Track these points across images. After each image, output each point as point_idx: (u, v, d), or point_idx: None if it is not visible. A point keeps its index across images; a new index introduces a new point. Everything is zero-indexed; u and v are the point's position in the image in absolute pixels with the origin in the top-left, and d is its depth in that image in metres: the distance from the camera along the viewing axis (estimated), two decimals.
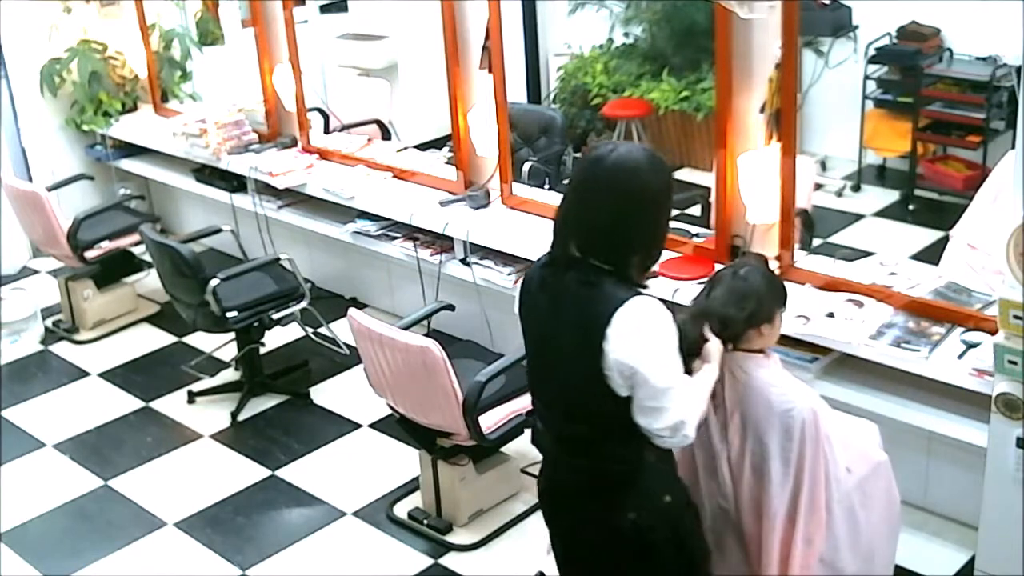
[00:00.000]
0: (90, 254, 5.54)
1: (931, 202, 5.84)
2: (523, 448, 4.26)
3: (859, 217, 5.87)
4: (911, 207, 5.91)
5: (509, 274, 4.56)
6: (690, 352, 2.68)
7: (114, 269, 5.72)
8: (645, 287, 2.52)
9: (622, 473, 2.59)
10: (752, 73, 3.83)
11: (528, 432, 4.01)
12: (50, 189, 5.58)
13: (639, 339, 2.42)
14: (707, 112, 6.17)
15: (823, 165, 6.27)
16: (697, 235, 4.25)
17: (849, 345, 3.60)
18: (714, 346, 2.73)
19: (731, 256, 4.03)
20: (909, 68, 5.85)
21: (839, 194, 6.09)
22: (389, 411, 4.02)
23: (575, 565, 2.83)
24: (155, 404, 5.01)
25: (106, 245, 5.58)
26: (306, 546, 4.05)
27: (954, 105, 5.72)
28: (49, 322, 5.76)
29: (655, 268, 2.60)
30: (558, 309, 2.54)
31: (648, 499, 2.61)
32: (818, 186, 5.95)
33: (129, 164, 6.41)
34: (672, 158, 6.71)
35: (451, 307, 4.29)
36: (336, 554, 4.00)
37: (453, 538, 3.96)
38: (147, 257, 5.42)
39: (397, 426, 4.07)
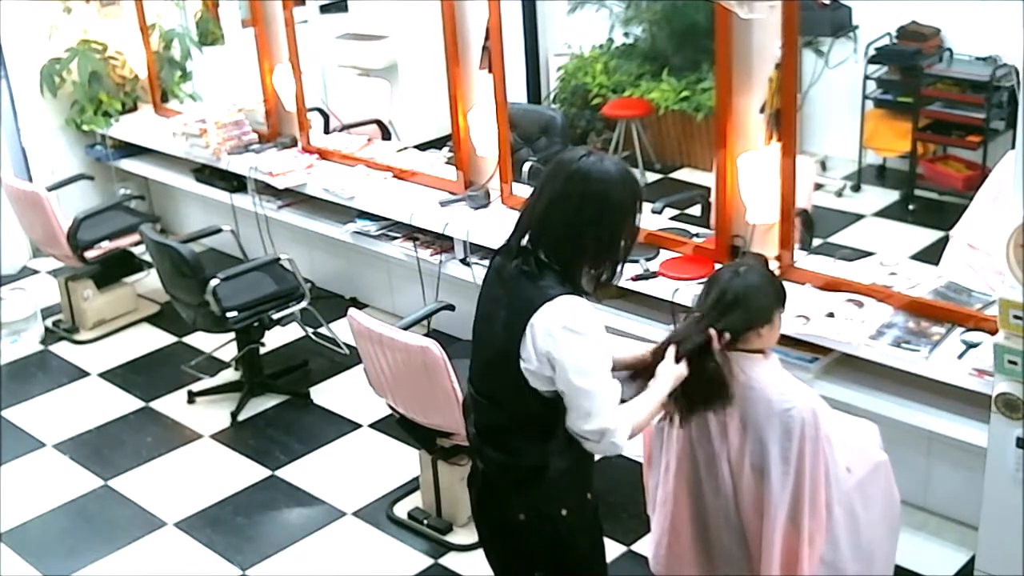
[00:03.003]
0: (90, 254, 5.54)
1: (931, 202, 5.84)
2: None
3: (859, 217, 5.87)
4: (911, 207, 5.91)
5: None
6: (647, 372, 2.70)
7: (114, 269, 5.72)
8: (592, 299, 2.50)
9: (526, 472, 2.57)
10: (752, 73, 3.83)
11: None
12: (50, 189, 5.58)
13: (562, 336, 2.41)
14: (707, 112, 6.17)
15: (823, 165, 6.27)
16: (697, 235, 4.26)
17: (849, 345, 3.60)
18: (666, 369, 2.70)
19: (731, 256, 4.03)
20: (909, 68, 5.85)
21: (839, 194, 6.09)
22: (389, 411, 4.02)
23: (484, 547, 2.86)
24: (155, 404, 5.01)
25: (106, 245, 5.58)
26: (306, 546, 4.05)
27: (954, 105, 5.72)
28: (49, 322, 5.76)
29: (612, 283, 2.55)
30: (497, 296, 2.56)
31: (544, 505, 2.60)
32: (818, 186, 5.95)
33: (129, 164, 6.41)
34: (672, 158, 6.72)
35: (451, 307, 4.29)
36: (336, 554, 4.00)
37: (453, 538, 3.96)
38: (147, 257, 5.43)
39: (397, 426, 4.06)
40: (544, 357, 2.43)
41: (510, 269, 2.53)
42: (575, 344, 2.41)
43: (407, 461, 4.28)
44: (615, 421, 2.46)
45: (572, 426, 2.48)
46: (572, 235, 2.46)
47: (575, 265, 2.48)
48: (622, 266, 2.53)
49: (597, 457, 2.64)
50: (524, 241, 2.51)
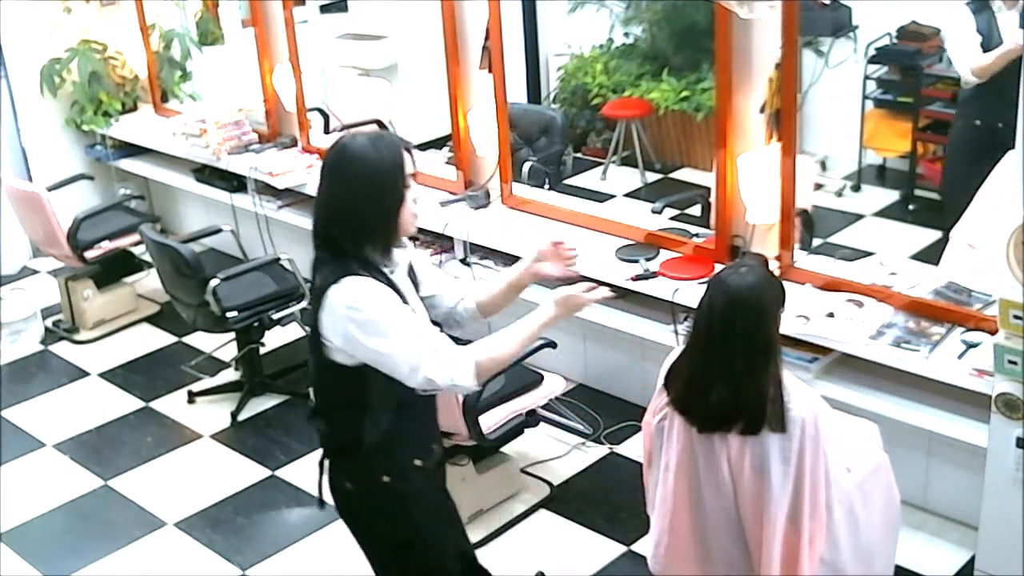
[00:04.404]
0: (90, 254, 5.54)
1: (931, 202, 5.83)
2: (523, 448, 4.26)
3: (859, 217, 5.87)
4: (911, 207, 5.91)
5: None
6: None
7: (114, 269, 5.72)
8: (384, 265, 2.59)
9: (344, 443, 2.69)
10: (752, 73, 3.83)
11: (528, 432, 4.03)
12: (50, 189, 5.58)
13: (347, 315, 2.50)
14: (707, 112, 6.17)
15: (823, 165, 6.27)
16: (697, 235, 4.26)
17: (849, 345, 3.60)
18: (556, 298, 2.70)
19: (731, 256, 4.03)
20: (909, 68, 5.85)
21: (839, 194, 6.09)
22: None
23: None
24: (155, 404, 5.01)
25: (106, 245, 5.58)
26: (306, 546, 4.05)
27: (954, 105, 5.71)
28: (49, 322, 5.75)
29: (394, 248, 2.62)
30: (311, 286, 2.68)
31: (366, 474, 2.71)
32: (818, 186, 5.94)
33: (129, 164, 6.41)
34: (672, 158, 6.72)
35: None
36: (336, 554, 3.99)
37: None
38: (147, 257, 5.43)
39: None
40: (340, 336, 2.54)
41: (316, 258, 2.64)
42: (361, 319, 2.50)
43: None
44: (442, 366, 2.51)
45: (410, 386, 2.54)
46: (350, 215, 2.55)
47: (364, 241, 2.56)
48: (395, 236, 2.59)
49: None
50: (324, 230, 2.61)
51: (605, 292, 2.74)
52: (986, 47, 4.47)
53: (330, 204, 2.59)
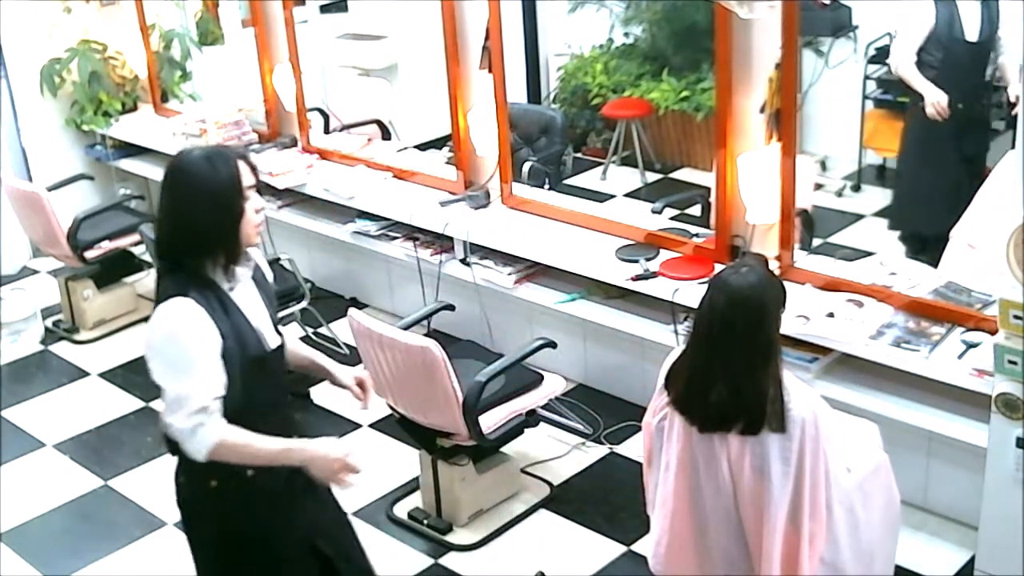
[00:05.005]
0: (90, 254, 5.54)
1: None
2: (523, 448, 4.26)
3: (859, 217, 5.87)
4: None
5: (509, 274, 4.57)
6: None
7: (114, 269, 5.72)
8: (226, 281, 2.57)
9: (173, 442, 2.66)
10: (752, 73, 3.83)
11: (528, 432, 4.03)
12: (50, 189, 5.58)
13: (152, 336, 2.53)
14: (707, 112, 6.17)
15: (823, 165, 6.26)
16: (697, 235, 4.26)
17: (849, 345, 3.60)
18: (323, 446, 2.64)
19: (731, 256, 4.03)
20: None
21: (839, 194, 6.08)
22: (389, 411, 4.02)
23: None
24: (155, 404, 4.99)
25: (106, 245, 5.58)
26: None
27: None
28: (49, 322, 5.75)
29: (235, 267, 2.59)
30: None
31: (196, 474, 2.69)
32: (818, 186, 5.94)
33: (129, 164, 6.41)
34: (672, 158, 6.72)
35: (451, 307, 4.29)
36: None
37: (453, 538, 3.96)
38: (147, 257, 5.42)
39: (397, 426, 4.07)
40: (144, 353, 2.57)
41: (157, 272, 2.65)
42: (158, 345, 2.52)
43: (407, 461, 4.28)
44: (190, 426, 2.50)
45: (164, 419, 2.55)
46: (187, 231, 2.54)
47: (203, 257, 2.55)
48: (237, 249, 2.57)
49: None
50: (164, 246, 2.61)
51: (352, 484, 2.69)
52: (947, 36, 4.59)
53: (168, 220, 2.57)
